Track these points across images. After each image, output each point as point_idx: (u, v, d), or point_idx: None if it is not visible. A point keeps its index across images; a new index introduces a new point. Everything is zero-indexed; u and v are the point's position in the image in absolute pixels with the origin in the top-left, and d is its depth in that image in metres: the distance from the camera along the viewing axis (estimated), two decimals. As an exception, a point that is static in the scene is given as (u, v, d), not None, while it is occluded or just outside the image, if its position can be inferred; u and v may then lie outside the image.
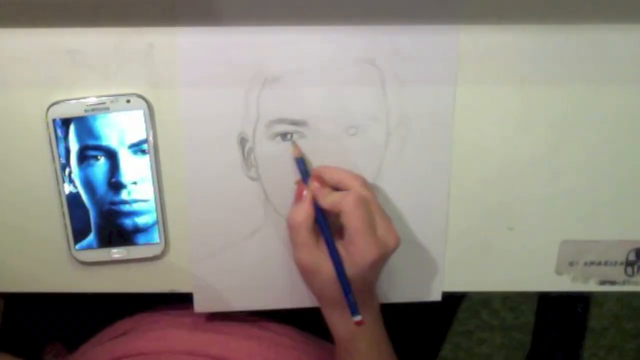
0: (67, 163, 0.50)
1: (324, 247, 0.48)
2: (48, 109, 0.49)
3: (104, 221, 0.51)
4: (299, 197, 0.49)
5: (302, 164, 0.50)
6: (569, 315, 0.82)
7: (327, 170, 0.50)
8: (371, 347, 0.50)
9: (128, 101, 0.49)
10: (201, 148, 0.50)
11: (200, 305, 0.54)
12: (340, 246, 0.47)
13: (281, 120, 0.50)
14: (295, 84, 0.49)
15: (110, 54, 0.48)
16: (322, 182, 0.49)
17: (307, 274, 0.49)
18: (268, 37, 0.48)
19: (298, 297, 0.54)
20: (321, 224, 0.48)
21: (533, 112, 0.51)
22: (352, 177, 0.49)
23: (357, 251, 0.46)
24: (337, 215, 0.47)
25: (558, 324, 0.83)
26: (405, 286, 0.54)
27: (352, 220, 0.46)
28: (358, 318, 0.47)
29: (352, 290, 0.47)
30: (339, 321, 0.49)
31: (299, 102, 0.50)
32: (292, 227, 0.48)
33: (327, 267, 0.47)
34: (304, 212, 0.48)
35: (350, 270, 0.47)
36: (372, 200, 0.48)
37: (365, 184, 0.49)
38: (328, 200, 0.48)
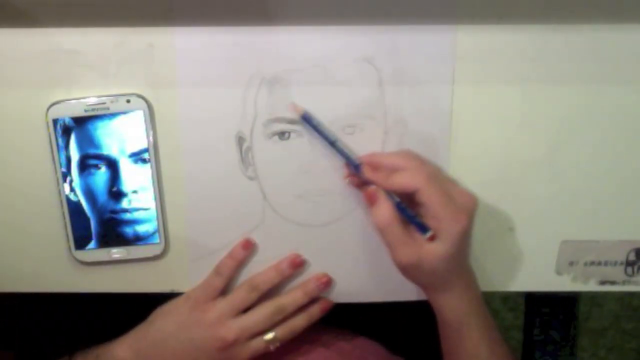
0: (68, 172, 0.50)
1: (414, 235, 0.47)
2: (48, 109, 0.49)
3: (104, 229, 0.51)
4: (372, 198, 0.48)
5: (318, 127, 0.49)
6: (557, 312, 0.82)
7: (378, 155, 0.49)
8: (483, 325, 0.50)
9: (128, 101, 0.49)
10: (199, 147, 0.50)
11: (200, 305, 0.54)
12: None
13: (279, 119, 0.50)
14: (292, 82, 0.49)
15: (110, 54, 0.48)
16: (376, 167, 0.48)
17: (411, 270, 0.48)
18: (265, 37, 0.48)
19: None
20: (401, 206, 0.47)
21: (533, 112, 0.51)
22: (406, 156, 0.48)
23: (444, 225, 0.45)
24: (408, 196, 0.46)
25: (545, 322, 0.83)
26: (403, 284, 0.54)
27: (432, 195, 0.45)
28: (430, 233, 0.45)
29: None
30: (450, 302, 0.49)
31: (297, 101, 0.50)
32: (384, 228, 0.46)
33: (428, 254, 0.46)
34: (388, 208, 0.46)
35: (445, 246, 0.46)
36: (436, 169, 0.48)
37: (420, 158, 0.49)
38: (397, 181, 0.46)
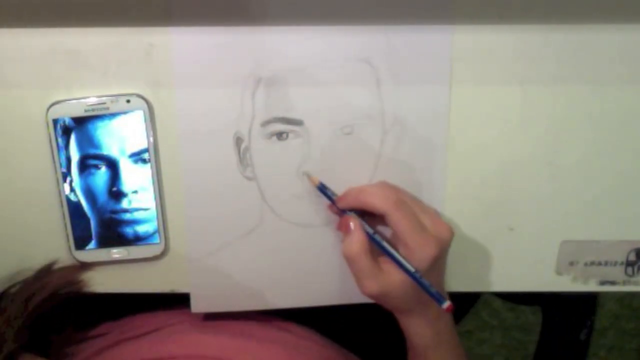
0: (68, 172, 0.50)
1: (383, 266, 0.47)
2: (48, 109, 0.49)
3: (104, 229, 0.51)
4: (346, 228, 0.48)
5: (324, 188, 0.50)
6: (572, 321, 0.82)
7: (349, 192, 0.49)
8: (449, 353, 0.50)
9: (128, 101, 0.49)
10: (198, 148, 0.50)
11: (197, 305, 0.54)
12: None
13: (276, 120, 0.50)
14: (290, 83, 0.49)
15: (110, 54, 0.48)
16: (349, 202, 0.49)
17: (379, 299, 0.48)
18: (263, 37, 0.48)
19: (293, 296, 0.54)
20: (375, 239, 0.47)
21: (533, 112, 0.51)
22: (379, 184, 0.50)
23: (412, 252, 0.46)
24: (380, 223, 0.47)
25: (561, 331, 0.83)
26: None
27: (399, 220, 0.46)
28: (447, 304, 0.45)
29: (430, 283, 0.46)
30: (419, 329, 0.49)
31: (295, 101, 0.50)
32: (351, 259, 0.47)
33: (395, 283, 0.46)
34: (359, 240, 0.47)
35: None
36: (409, 198, 0.48)
37: (393, 187, 0.49)
38: (366, 199, 0.47)
